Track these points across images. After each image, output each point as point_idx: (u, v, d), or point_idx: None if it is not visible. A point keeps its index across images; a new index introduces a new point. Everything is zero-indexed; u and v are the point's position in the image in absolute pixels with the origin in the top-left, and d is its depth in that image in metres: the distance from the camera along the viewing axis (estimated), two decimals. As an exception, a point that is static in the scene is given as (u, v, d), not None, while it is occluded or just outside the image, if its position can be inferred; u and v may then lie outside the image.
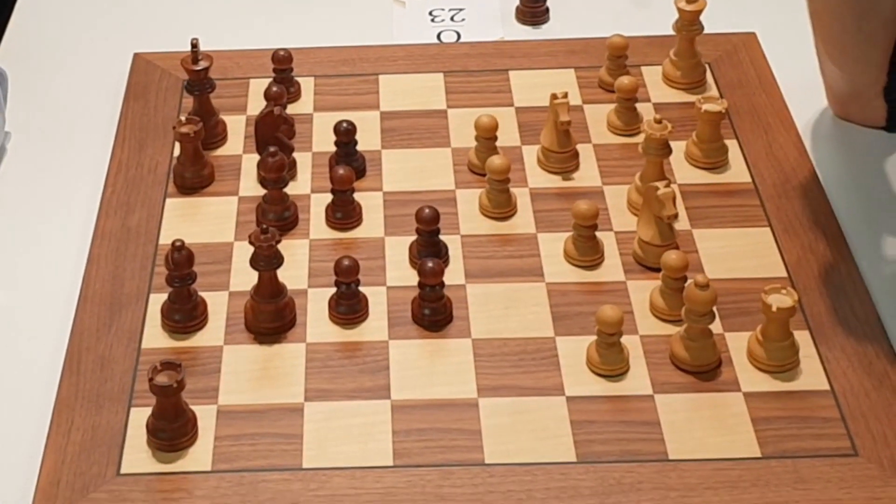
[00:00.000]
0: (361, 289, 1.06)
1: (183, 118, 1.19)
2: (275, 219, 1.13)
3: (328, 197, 1.15)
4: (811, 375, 1.00)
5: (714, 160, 1.20)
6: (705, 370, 1.00)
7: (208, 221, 1.15)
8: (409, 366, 1.02)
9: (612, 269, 1.10)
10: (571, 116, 1.18)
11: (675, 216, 1.08)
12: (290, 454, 0.95)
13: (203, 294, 1.06)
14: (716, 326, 1.02)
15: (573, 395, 0.99)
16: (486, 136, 1.19)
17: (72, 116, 1.30)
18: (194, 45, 1.22)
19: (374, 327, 1.05)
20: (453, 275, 1.09)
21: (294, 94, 1.29)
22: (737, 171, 1.20)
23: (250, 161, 1.21)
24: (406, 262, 1.11)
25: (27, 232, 1.17)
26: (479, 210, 1.16)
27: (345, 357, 1.03)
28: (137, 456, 0.95)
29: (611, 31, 1.30)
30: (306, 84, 1.31)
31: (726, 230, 1.13)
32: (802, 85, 1.28)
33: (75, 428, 0.97)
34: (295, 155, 1.21)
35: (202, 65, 1.22)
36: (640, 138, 1.15)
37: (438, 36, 1.41)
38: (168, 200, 1.17)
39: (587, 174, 1.20)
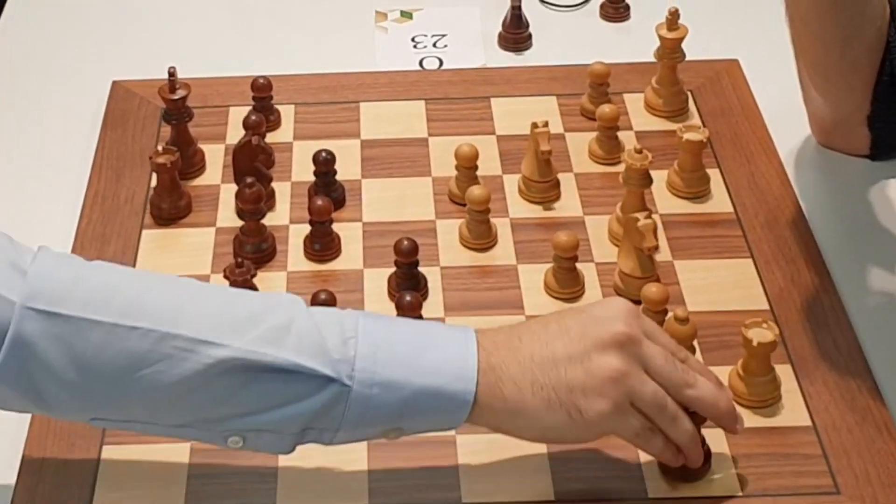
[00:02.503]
0: (339, 322, 1.05)
1: (160, 148, 1.18)
2: (252, 250, 1.12)
3: (307, 228, 1.14)
4: (793, 411, 0.99)
5: (695, 189, 1.19)
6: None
7: (185, 253, 1.14)
8: (386, 401, 1.00)
9: (592, 301, 1.08)
10: (553, 145, 1.17)
11: (656, 248, 1.07)
12: (263, 493, 0.94)
13: (178, 328, 1.05)
14: (697, 360, 1.01)
15: (552, 431, 0.98)
16: (467, 166, 1.18)
17: (49, 144, 1.29)
18: (171, 74, 1.21)
19: (351, 362, 1.04)
20: (432, 307, 1.08)
21: (274, 123, 1.28)
22: (719, 201, 1.19)
23: (228, 191, 1.20)
24: (385, 294, 1.10)
25: (2, 264, 1.16)
26: (459, 241, 1.15)
27: (321, 392, 1.01)
28: (109, 495, 0.94)
29: (593, 57, 1.29)
30: (286, 112, 1.30)
31: (708, 261, 1.12)
32: (786, 112, 1.27)
33: (46, 466, 0.95)
34: (274, 185, 1.20)
35: (179, 94, 1.21)
36: (621, 167, 1.14)
37: (421, 62, 1.40)
38: (144, 232, 1.16)
39: (568, 204, 1.19)
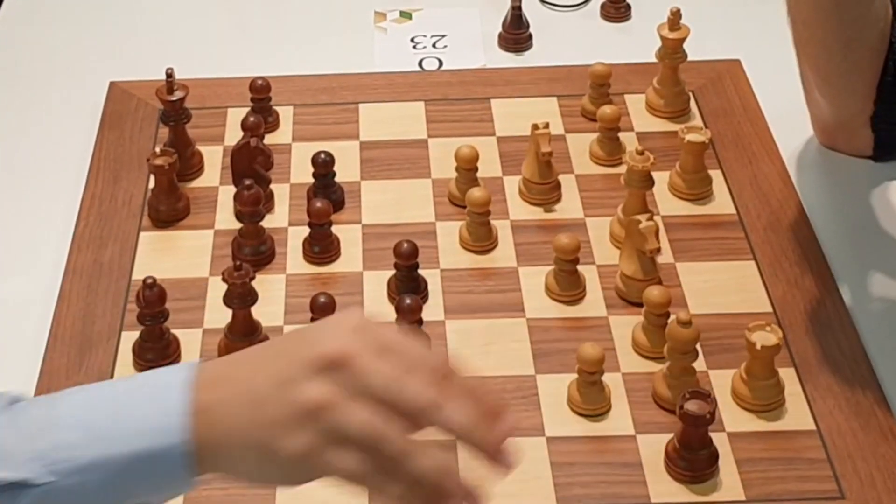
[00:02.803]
0: (338, 325, 1.04)
1: (158, 149, 1.17)
2: (250, 253, 1.11)
3: (306, 230, 1.13)
4: (797, 415, 0.98)
5: (698, 191, 1.18)
6: (688, 410, 0.98)
7: (183, 256, 1.13)
8: (386, 406, 0.99)
9: (593, 304, 1.08)
10: (554, 146, 1.16)
11: (658, 250, 1.06)
12: (262, 499, 0.93)
13: (177, 331, 1.04)
14: (699, 364, 1.00)
15: (553, 435, 0.97)
16: (467, 167, 1.17)
17: (46, 146, 1.28)
18: (169, 75, 1.20)
19: (350, 366, 1.03)
20: (432, 310, 1.07)
21: (272, 124, 1.27)
22: (721, 203, 1.18)
23: (226, 193, 1.19)
24: (384, 297, 1.09)
25: (-2, 267, 1.15)
26: (459, 243, 1.14)
27: (320, 397, 1.00)
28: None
29: (594, 57, 1.28)
30: (285, 113, 1.29)
31: (710, 264, 1.11)
32: (788, 113, 1.26)
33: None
34: (273, 187, 1.19)
35: (177, 95, 1.20)
36: (622, 169, 1.13)
37: (420, 63, 1.39)
38: (142, 234, 1.15)
39: (569, 205, 1.18)
